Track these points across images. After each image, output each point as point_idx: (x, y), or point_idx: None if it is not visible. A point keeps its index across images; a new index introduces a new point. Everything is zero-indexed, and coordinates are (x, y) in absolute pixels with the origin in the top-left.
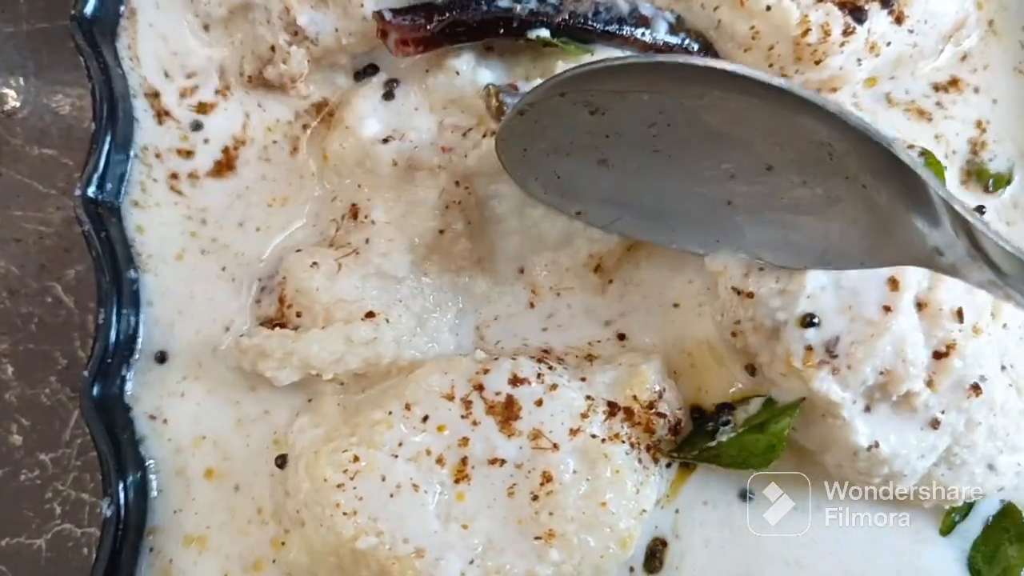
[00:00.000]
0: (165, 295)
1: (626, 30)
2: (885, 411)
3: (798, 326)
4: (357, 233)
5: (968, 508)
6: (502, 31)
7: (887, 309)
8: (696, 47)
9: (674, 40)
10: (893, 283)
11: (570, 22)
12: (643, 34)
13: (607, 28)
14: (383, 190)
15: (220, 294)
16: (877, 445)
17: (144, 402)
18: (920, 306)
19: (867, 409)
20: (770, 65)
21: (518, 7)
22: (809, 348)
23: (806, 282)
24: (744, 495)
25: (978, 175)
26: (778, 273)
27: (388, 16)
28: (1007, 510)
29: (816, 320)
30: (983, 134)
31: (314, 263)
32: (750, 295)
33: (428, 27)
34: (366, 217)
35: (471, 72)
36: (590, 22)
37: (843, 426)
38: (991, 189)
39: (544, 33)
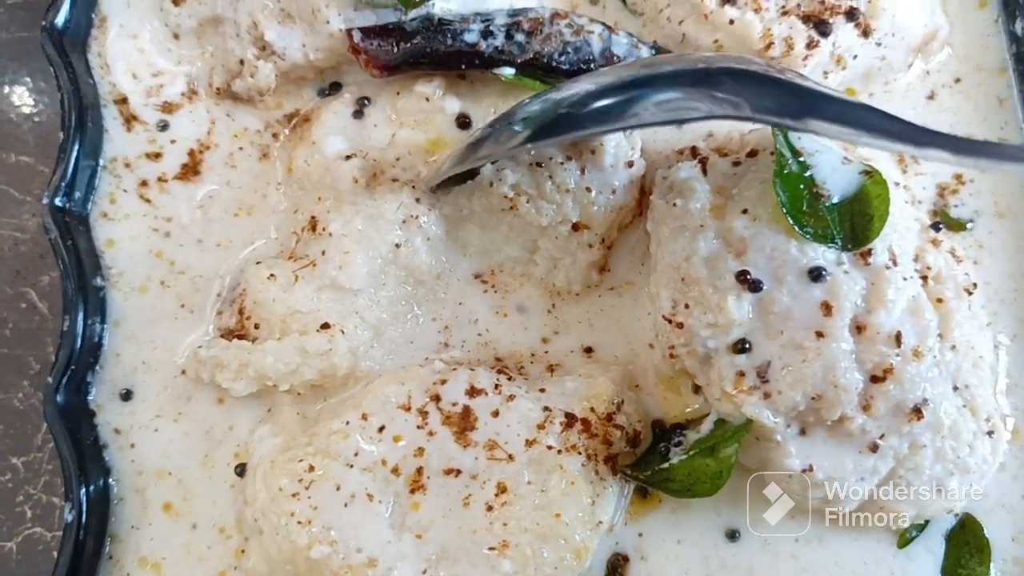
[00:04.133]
0: (129, 340)
1: (592, 68)
2: (820, 436)
3: (730, 352)
4: (315, 245)
5: (924, 524)
6: (464, 66)
7: (819, 335)
8: None
9: None
10: (826, 308)
11: (535, 61)
12: None
13: (573, 68)
14: (343, 204)
15: (179, 332)
16: (811, 468)
17: (108, 413)
18: (858, 329)
19: (802, 432)
20: None
21: (484, 43)
22: (741, 373)
23: (733, 313)
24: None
25: (942, 216)
26: (705, 306)
27: (357, 37)
28: (965, 522)
29: (748, 345)
30: (959, 184)
31: (271, 275)
32: (680, 325)
33: (395, 53)
34: (324, 229)
35: (439, 99)
36: (555, 62)
37: (777, 449)
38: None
39: (508, 72)
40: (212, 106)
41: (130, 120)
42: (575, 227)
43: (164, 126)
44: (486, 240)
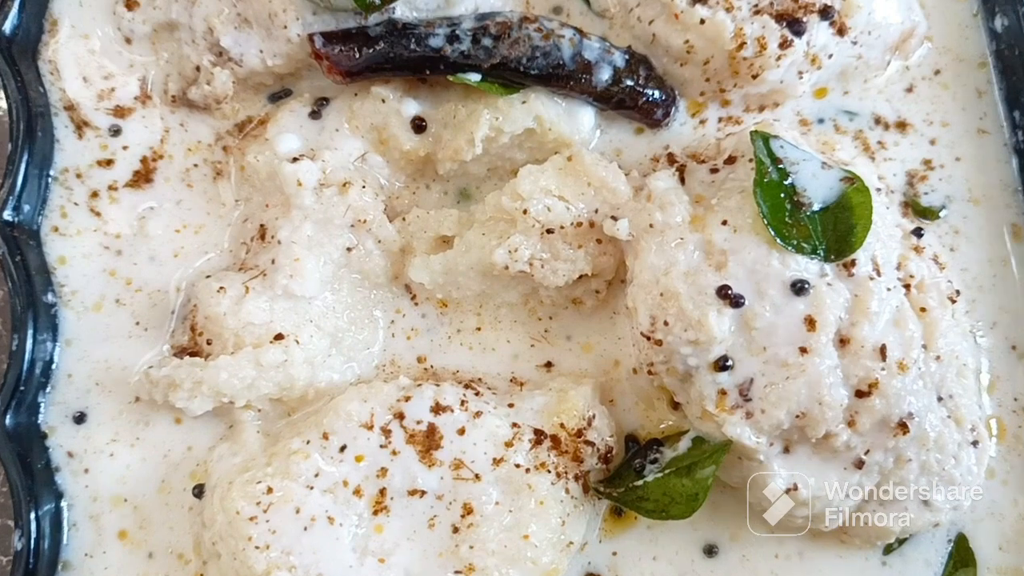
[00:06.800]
0: (82, 360)
1: (564, 73)
2: (805, 453)
3: (711, 370)
4: (264, 254)
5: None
6: (429, 71)
7: (803, 350)
8: (655, 93)
9: (627, 82)
10: (810, 323)
11: (503, 66)
12: (583, 80)
13: (543, 73)
14: (291, 210)
15: (134, 352)
16: (796, 488)
17: (60, 435)
18: (842, 343)
19: (786, 451)
20: (707, 80)
21: (449, 48)
22: (722, 392)
23: (714, 330)
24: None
25: (912, 207)
26: (684, 322)
27: (319, 43)
28: (958, 540)
29: (729, 363)
30: (928, 170)
31: (221, 288)
32: (659, 342)
33: (357, 58)
34: (272, 237)
35: (396, 101)
36: (523, 67)
37: (759, 468)
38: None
39: (473, 78)
40: (167, 113)
41: (81, 126)
42: (580, 277)
43: (116, 131)
44: (485, 286)
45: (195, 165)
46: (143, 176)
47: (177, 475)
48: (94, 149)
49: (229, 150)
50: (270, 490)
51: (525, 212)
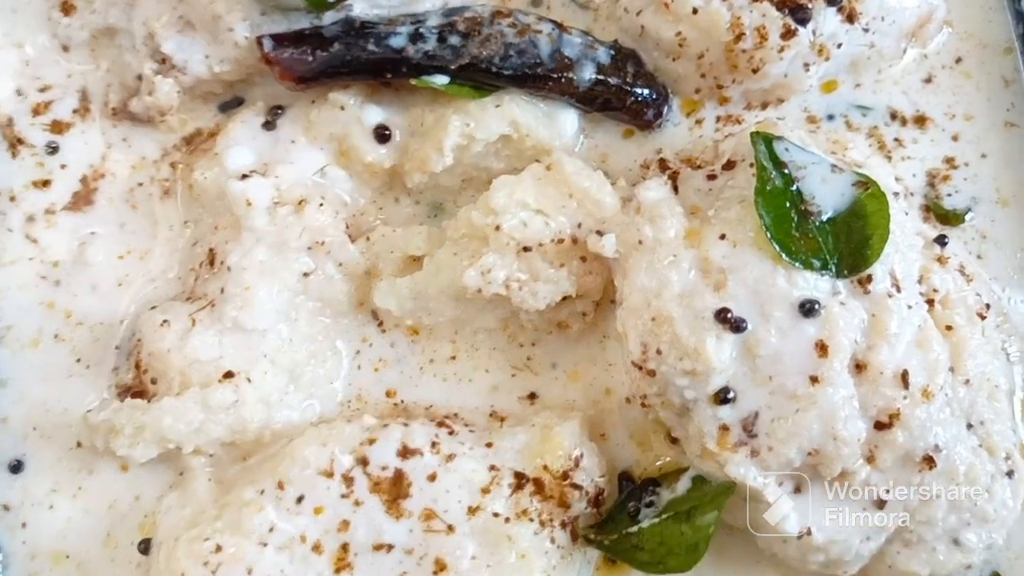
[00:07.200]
0: (19, 402)
1: (542, 72)
2: (818, 493)
3: (711, 403)
4: (214, 282)
5: None
6: (391, 74)
7: (814, 379)
8: (644, 91)
9: (613, 81)
10: (822, 348)
11: (473, 66)
12: (564, 79)
13: (518, 73)
14: (240, 232)
15: (75, 392)
16: (809, 532)
17: None
18: (858, 368)
19: (797, 491)
20: (702, 76)
21: (412, 48)
22: (724, 427)
23: (713, 358)
24: None
25: (934, 211)
26: (680, 350)
27: (269, 46)
28: None
29: (732, 395)
30: (950, 169)
31: (164, 321)
32: (652, 373)
33: (312, 62)
34: (222, 263)
35: (357, 108)
36: (496, 67)
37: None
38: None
39: (440, 80)
40: (108, 128)
41: (15, 144)
42: (564, 298)
43: (54, 148)
44: (459, 311)
45: (140, 184)
46: (83, 197)
47: (124, 527)
48: (29, 168)
49: (176, 167)
50: (219, 548)
51: (498, 228)
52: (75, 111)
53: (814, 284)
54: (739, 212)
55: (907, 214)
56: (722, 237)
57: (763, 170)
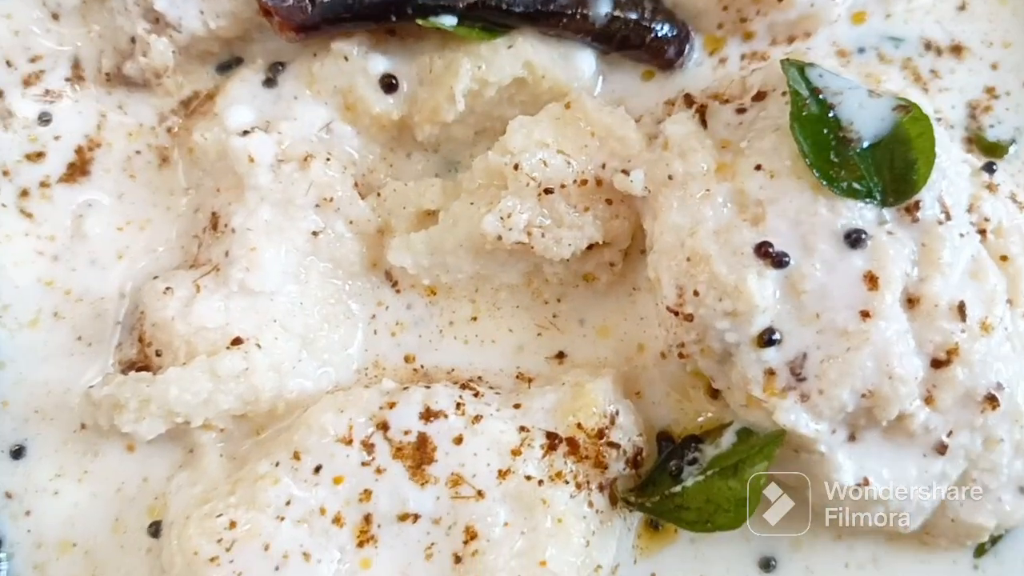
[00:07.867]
0: (19, 384)
1: (555, 9)
2: (875, 439)
3: (754, 346)
4: (218, 247)
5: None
6: (396, 18)
7: (865, 314)
8: (665, 28)
9: (631, 16)
10: (871, 280)
11: (482, 5)
12: (579, 16)
13: (530, 10)
14: (243, 192)
15: (77, 371)
16: (867, 482)
17: None
18: (911, 303)
19: (851, 438)
20: (724, 9)
21: None
22: (770, 372)
23: (755, 296)
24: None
25: (977, 143)
26: (718, 290)
27: None
28: None
29: (777, 336)
30: (991, 99)
31: (167, 289)
32: (689, 317)
33: (311, 10)
34: (225, 226)
35: (361, 58)
36: (506, 5)
37: (822, 461)
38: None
39: (448, 21)
40: (103, 95)
41: (7, 116)
42: (590, 247)
43: (46, 119)
44: (479, 266)
45: (137, 152)
46: (79, 168)
47: (132, 511)
48: (22, 141)
49: (174, 132)
50: (233, 524)
51: (517, 168)
52: (67, 80)
53: (859, 213)
54: (774, 141)
55: (952, 141)
56: (757, 168)
57: (797, 96)
